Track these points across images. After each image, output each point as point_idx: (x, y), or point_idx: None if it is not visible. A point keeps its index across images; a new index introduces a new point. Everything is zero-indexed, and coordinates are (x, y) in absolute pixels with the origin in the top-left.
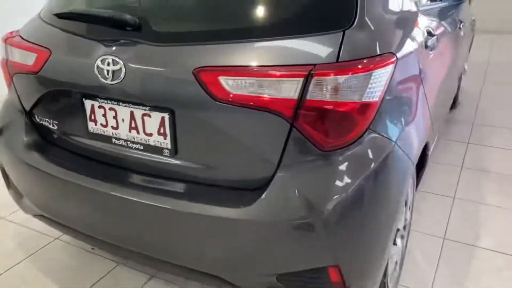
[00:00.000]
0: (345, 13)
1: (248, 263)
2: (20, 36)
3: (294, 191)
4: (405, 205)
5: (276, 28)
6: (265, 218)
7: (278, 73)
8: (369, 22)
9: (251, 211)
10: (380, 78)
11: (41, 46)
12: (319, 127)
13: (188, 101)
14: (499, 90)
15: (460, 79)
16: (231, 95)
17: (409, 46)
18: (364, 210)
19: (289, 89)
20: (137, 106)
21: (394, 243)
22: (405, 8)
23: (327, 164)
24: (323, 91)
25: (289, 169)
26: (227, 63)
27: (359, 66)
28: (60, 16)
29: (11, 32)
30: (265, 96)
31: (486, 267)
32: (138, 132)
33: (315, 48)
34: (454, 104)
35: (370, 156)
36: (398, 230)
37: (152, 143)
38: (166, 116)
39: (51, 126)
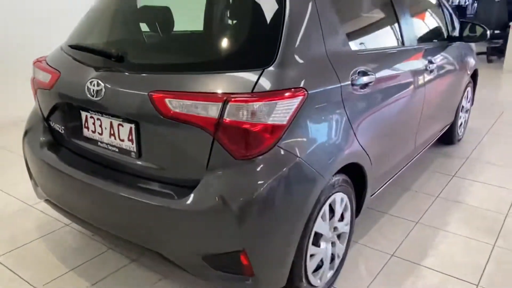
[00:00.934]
0: (266, 56)
1: (178, 243)
2: (45, 61)
3: (214, 190)
4: (333, 216)
5: (211, 65)
6: (190, 208)
7: (204, 98)
8: (287, 63)
9: (181, 202)
10: (287, 106)
11: (55, 69)
12: (233, 141)
13: (145, 116)
14: (507, 130)
15: (456, 116)
16: (172, 112)
17: (328, 83)
18: (266, 208)
19: (212, 110)
20: (114, 118)
21: (317, 245)
22: (330, 53)
23: (239, 169)
24: (236, 114)
25: (213, 172)
26: (171, 88)
27: (266, 97)
28: (71, 46)
29: (40, 57)
30: (195, 114)
31: (420, 283)
32: (115, 138)
33: (237, 80)
34: (452, 140)
35: (276, 166)
36: (321, 235)
37: (124, 147)
38: (133, 126)
39: (60, 130)
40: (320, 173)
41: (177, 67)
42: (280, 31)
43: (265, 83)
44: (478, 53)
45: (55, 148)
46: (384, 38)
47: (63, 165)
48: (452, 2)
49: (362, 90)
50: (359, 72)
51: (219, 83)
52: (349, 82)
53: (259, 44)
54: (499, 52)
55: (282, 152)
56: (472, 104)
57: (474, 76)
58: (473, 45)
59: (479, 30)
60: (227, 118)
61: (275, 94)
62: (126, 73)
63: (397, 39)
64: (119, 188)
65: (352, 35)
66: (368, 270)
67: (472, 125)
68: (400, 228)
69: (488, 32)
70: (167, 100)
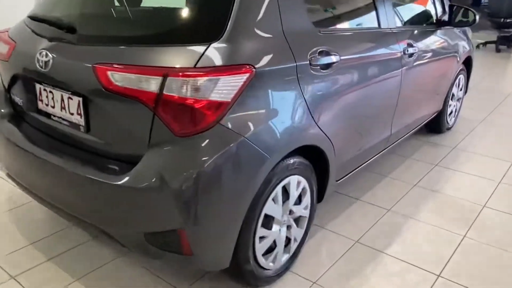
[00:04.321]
0: (214, 30)
1: (120, 220)
2: (7, 33)
3: (153, 167)
4: (288, 199)
5: (156, 38)
6: (129, 184)
7: (144, 71)
8: (236, 39)
9: (120, 179)
10: (232, 83)
11: (12, 40)
12: (173, 117)
13: (90, 89)
14: (502, 121)
15: (445, 104)
16: (113, 86)
17: (281, 62)
18: (205, 188)
19: (152, 84)
20: (64, 91)
21: (268, 227)
22: (287, 31)
23: (179, 147)
24: (176, 89)
25: (154, 149)
26: (113, 61)
27: (208, 73)
28: (31, 18)
29: (3, 29)
30: (136, 88)
31: (380, 270)
32: (66, 111)
33: (180, 55)
34: (440, 128)
35: (217, 145)
36: (273, 218)
37: (74, 121)
38: (81, 100)
39: (19, 103)
40: (266, 154)
41: (123, 39)
42: (231, 5)
43: (209, 59)
44: (488, 42)
45: (15, 120)
46: (355, 19)
47: (19, 138)
48: None
49: (323, 71)
50: (320, 52)
51: (161, 57)
52: (307, 62)
53: (207, 18)
54: (510, 41)
55: (225, 130)
56: (465, 92)
57: (467, 64)
58: (468, 31)
59: (471, 15)
60: (166, 93)
61: (219, 70)
62: (74, 45)
63: (372, 21)
64: (67, 163)
65: (315, 12)
66: (328, 256)
67: (466, 114)
68: (370, 215)
69: (477, 17)
70: (109, 72)
